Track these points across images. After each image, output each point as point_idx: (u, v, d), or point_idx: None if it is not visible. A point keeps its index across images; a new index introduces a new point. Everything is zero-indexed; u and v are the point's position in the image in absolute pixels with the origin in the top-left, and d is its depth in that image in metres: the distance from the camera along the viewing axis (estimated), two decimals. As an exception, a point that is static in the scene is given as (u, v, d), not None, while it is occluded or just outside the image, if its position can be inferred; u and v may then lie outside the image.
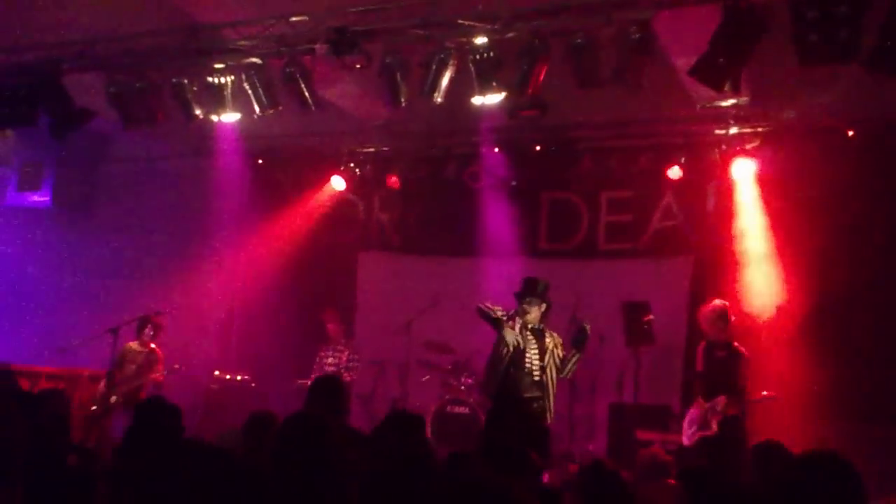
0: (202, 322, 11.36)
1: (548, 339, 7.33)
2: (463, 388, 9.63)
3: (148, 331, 9.58)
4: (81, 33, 8.47)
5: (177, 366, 9.51)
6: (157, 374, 9.43)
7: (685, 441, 8.09)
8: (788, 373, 8.55)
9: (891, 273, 8.66)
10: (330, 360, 10.27)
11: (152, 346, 9.60)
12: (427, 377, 10.09)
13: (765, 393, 7.99)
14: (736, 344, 8.11)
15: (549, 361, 7.25)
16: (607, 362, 9.36)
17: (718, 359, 8.07)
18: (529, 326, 7.31)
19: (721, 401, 7.84)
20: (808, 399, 8.38)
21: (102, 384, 9.33)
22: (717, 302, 8.22)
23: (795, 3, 6.03)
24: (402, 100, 7.66)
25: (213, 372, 10.82)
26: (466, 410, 9.39)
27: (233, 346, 11.74)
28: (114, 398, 9.24)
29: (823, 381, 8.44)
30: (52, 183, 12.09)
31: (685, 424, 8.17)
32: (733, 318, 8.19)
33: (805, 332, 8.76)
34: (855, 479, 3.20)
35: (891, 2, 5.82)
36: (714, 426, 7.83)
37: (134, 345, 9.63)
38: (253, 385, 10.61)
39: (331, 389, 5.70)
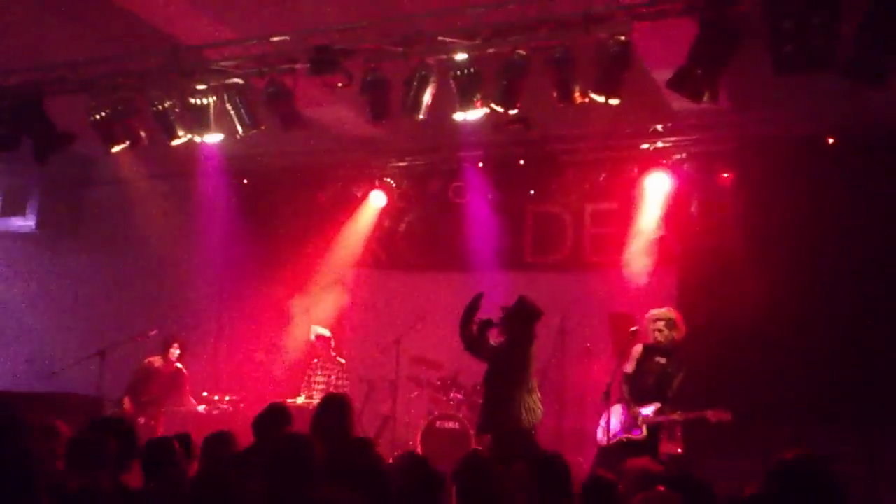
0: (190, 342, 11.31)
1: None
2: (452, 403, 9.62)
3: (174, 349, 9.59)
4: (63, 56, 8.48)
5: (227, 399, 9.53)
6: (192, 405, 9.39)
7: (601, 440, 8.05)
8: (769, 379, 8.59)
9: (870, 279, 8.70)
10: (319, 378, 10.26)
11: (178, 365, 9.61)
12: (416, 393, 10.09)
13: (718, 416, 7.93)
14: (680, 353, 8.01)
15: None
16: (595, 373, 9.37)
17: (656, 364, 8.03)
18: None
19: (655, 407, 7.84)
20: (790, 404, 8.42)
21: (127, 403, 9.29)
22: (663, 309, 8.21)
23: (771, 13, 6.10)
24: (385, 117, 7.69)
25: (201, 393, 10.77)
26: (456, 426, 9.38)
27: (221, 366, 11.69)
28: (142, 419, 9.22)
29: (804, 386, 8.49)
30: (36, 207, 12.07)
31: (602, 423, 8.06)
32: (682, 327, 8.09)
33: (787, 338, 8.79)
34: (840, 481, 3.23)
35: (865, 11, 5.89)
36: (644, 431, 7.82)
37: (156, 361, 9.63)
38: (241, 405, 10.57)
39: (338, 408, 5.79)
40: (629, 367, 8.08)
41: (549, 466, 4.28)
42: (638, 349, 8.14)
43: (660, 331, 7.97)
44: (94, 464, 4.30)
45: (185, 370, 9.62)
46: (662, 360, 7.97)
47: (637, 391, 7.97)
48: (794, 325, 8.81)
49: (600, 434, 8.08)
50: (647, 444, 7.69)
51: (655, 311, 8.10)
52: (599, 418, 8.13)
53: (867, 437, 7.99)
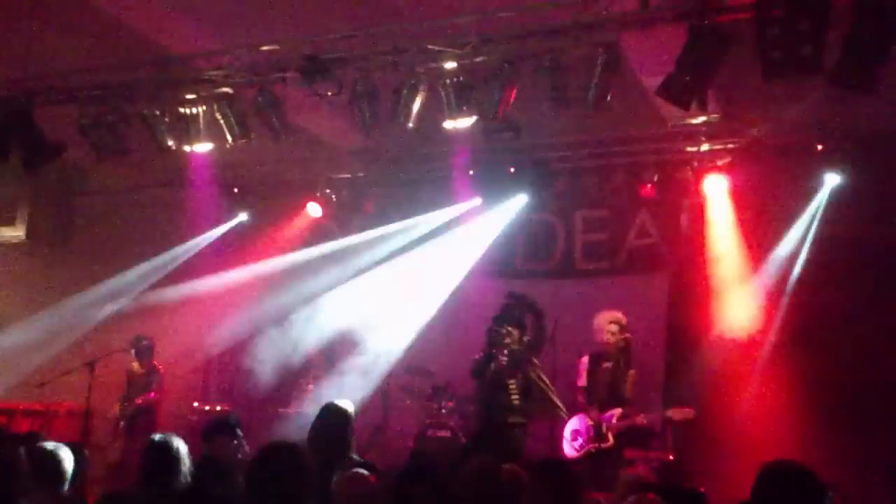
0: (181, 352, 11.27)
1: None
2: (444, 411, 9.59)
3: (145, 350, 9.63)
4: (52, 66, 8.46)
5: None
6: (151, 392, 9.43)
7: (570, 453, 8.12)
8: (763, 387, 8.60)
9: (860, 283, 8.72)
10: (311, 388, 10.23)
11: (154, 363, 9.66)
12: (408, 402, 10.06)
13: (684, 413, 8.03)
14: (622, 356, 8.18)
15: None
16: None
17: (605, 370, 8.09)
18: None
19: (617, 413, 7.90)
20: (784, 410, 8.44)
21: (116, 410, 9.38)
22: (609, 313, 8.27)
23: (759, 20, 6.12)
24: (375, 126, 7.69)
25: (192, 403, 10.74)
26: (448, 434, 9.35)
27: (212, 376, 11.65)
28: (122, 423, 9.28)
29: (799, 391, 8.50)
30: (26, 217, 12.02)
31: (568, 436, 8.21)
32: (626, 332, 8.26)
33: (781, 344, 8.81)
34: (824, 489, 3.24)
35: (853, 18, 5.91)
36: (611, 439, 7.88)
37: (135, 366, 9.66)
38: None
39: (338, 417, 5.71)
40: (581, 381, 8.21)
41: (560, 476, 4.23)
42: (584, 361, 8.24)
43: (612, 333, 8.16)
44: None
45: (160, 366, 9.62)
46: (609, 365, 8.09)
47: (594, 401, 8.06)
48: (785, 329, 8.82)
49: (567, 447, 8.18)
50: (615, 451, 7.76)
51: (608, 314, 8.19)
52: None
53: (863, 443, 8.01)
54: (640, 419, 7.96)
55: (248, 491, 3.47)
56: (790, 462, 3.36)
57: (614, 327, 8.17)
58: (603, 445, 7.94)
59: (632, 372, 8.16)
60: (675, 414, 8.08)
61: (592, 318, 8.66)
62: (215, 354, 11.73)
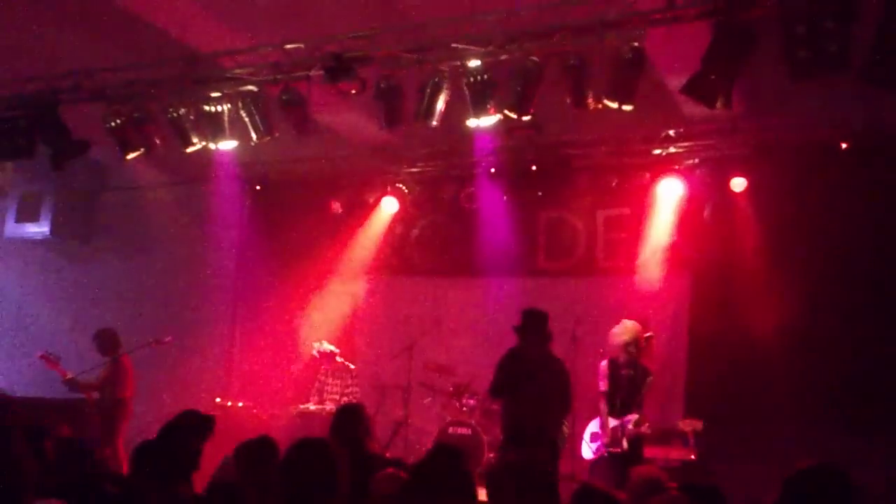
0: (203, 348, 11.36)
1: None
2: (465, 409, 9.61)
3: (108, 344, 9.61)
4: (78, 64, 8.54)
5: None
6: (120, 392, 9.44)
7: (587, 455, 8.18)
8: (784, 384, 8.56)
9: (884, 284, 8.66)
10: (329, 385, 10.28)
11: (118, 357, 9.59)
12: (429, 399, 10.09)
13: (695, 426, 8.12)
14: (643, 362, 8.23)
15: None
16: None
17: (625, 377, 8.14)
18: None
19: (632, 418, 7.96)
20: (805, 410, 8.41)
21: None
22: (628, 322, 8.27)
23: (785, 18, 6.10)
24: (399, 124, 7.72)
25: (214, 399, 10.81)
26: (468, 431, 9.37)
27: (234, 372, 11.73)
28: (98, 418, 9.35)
29: (819, 391, 8.47)
30: (51, 213, 12.14)
31: (588, 438, 8.31)
32: (644, 340, 8.31)
33: (801, 344, 8.76)
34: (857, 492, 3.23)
35: (880, 15, 5.88)
36: (625, 444, 7.94)
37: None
38: (254, 411, 10.59)
39: (354, 415, 5.83)
40: (603, 385, 8.24)
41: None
42: (604, 366, 8.25)
43: (629, 352, 8.13)
44: None
45: (125, 361, 9.62)
46: (630, 373, 8.15)
47: (613, 406, 8.12)
48: (808, 331, 8.76)
49: (585, 449, 8.22)
50: (631, 456, 7.78)
51: (619, 329, 8.21)
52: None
53: (883, 444, 7.95)
54: (646, 429, 8.02)
55: (281, 488, 3.51)
56: (824, 463, 3.34)
57: (626, 338, 8.19)
58: (616, 450, 7.99)
59: (650, 379, 8.16)
60: (685, 425, 8.19)
61: (614, 316, 8.66)
62: (237, 350, 11.83)
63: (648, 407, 8.83)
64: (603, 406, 8.21)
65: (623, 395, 8.10)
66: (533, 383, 7.51)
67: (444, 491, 3.62)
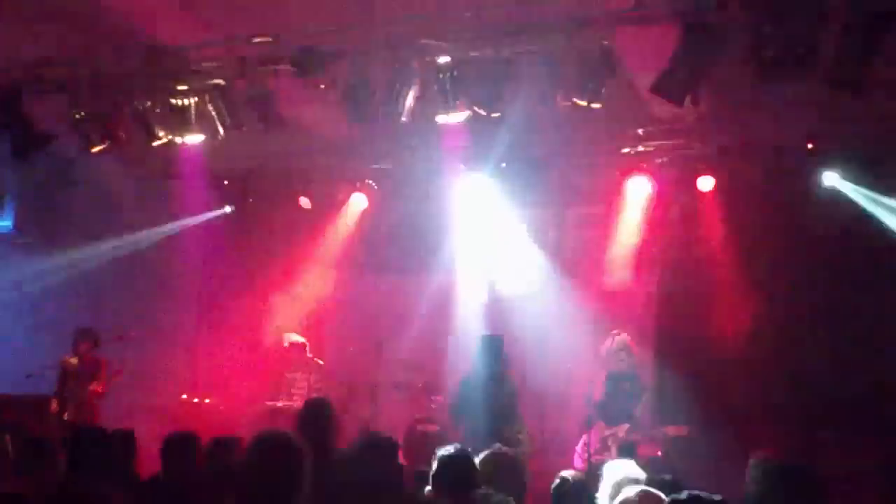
0: (169, 344, 11.24)
1: None
2: (434, 406, 9.61)
3: (86, 346, 9.49)
4: (42, 55, 8.39)
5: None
6: (97, 385, 9.32)
7: (577, 464, 8.23)
8: (750, 385, 8.65)
9: (849, 284, 8.76)
10: (297, 382, 10.22)
11: (92, 356, 9.50)
12: (398, 397, 10.06)
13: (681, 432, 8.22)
14: (639, 374, 8.40)
15: None
16: (576, 377, 9.38)
17: (622, 390, 8.24)
18: None
19: (624, 428, 8.06)
20: (771, 410, 8.49)
21: (54, 405, 9.25)
22: (619, 335, 8.38)
23: (753, 20, 6.14)
24: (367, 119, 7.67)
25: (180, 395, 10.72)
26: (437, 428, 9.36)
27: (200, 369, 11.62)
28: (66, 415, 9.17)
29: (785, 392, 8.56)
30: (13, 207, 11.94)
31: (579, 448, 8.34)
32: (636, 351, 8.45)
33: (768, 344, 8.84)
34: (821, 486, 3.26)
35: (844, 19, 5.93)
36: (613, 452, 8.02)
37: (72, 360, 9.54)
38: (221, 408, 10.51)
39: (321, 410, 5.85)
40: (598, 395, 8.27)
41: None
42: (601, 377, 8.32)
43: (622, 360, 8.32)
44: None
45: (101, 359, 9.53)
46: (626, 385, 8.28)
47: (607, 416, 8.23)
48: (775, 331, 8.86)
49: (576, 460, 8.27)
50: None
51: (618, 343, 8.35)
52: (576, 444, 8.40)
53: (848, 443, 8.06)
54: (635, 436, 8.12)
55: (244, 480, 3.48)
56: (789, 459, 3.36)
57: (622, 354, 8.32)
58: (605, 456, 8.03)
59: (645, 394, 8.33)
60: (671, 431, 8.36)
61: (584, 316, 8.71)
62: (203, 346, 11.73)
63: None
64: (594, 416, 8.27)
65: (619, 408, 8.21)
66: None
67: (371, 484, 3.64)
